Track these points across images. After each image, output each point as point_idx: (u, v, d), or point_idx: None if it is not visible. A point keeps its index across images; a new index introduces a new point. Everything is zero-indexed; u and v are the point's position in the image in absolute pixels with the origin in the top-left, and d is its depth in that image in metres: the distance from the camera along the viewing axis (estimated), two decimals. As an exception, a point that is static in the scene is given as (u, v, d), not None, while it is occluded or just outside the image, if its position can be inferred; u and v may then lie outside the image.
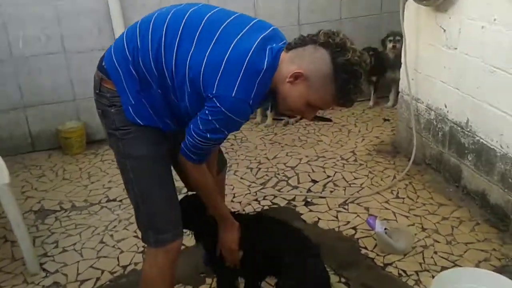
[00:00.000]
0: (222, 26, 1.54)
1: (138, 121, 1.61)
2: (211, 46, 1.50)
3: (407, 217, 2.70)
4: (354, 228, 2.62)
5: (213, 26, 1.54)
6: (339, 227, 2.64)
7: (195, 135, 1.54)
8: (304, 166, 3.33)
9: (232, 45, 1.49)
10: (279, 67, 1.52)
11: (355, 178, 3.14)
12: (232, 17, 1.59)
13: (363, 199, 2.90)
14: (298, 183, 3.11)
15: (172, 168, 1.78)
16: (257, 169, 3.32)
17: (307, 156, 3.46)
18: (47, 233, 2.71)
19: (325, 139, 3.72)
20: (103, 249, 2.54)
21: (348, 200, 2.89)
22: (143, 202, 1.69)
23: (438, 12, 2.84)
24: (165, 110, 1.63)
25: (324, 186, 3.06)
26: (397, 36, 3.85)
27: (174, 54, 1.52)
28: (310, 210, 2.81)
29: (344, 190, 3.00)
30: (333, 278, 2.20)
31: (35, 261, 2.36)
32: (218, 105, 1.46)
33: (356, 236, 2.55)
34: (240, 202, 2.91)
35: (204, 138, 1.53)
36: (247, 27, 1.56)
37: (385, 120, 4.02)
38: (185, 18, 1.56)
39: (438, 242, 2.47)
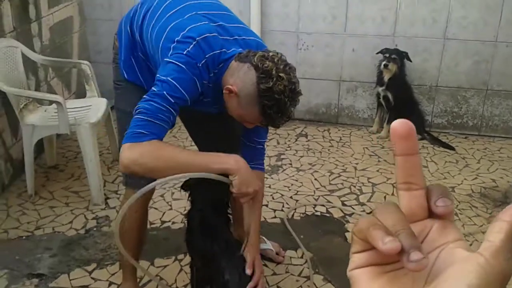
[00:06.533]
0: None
1: (126, 76, 1.80)
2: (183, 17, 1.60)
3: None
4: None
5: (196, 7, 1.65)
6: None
7: (154, 96, 1.48)
8: (387, 187, 3.11)
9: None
10: (226, 72, 1.57)
11: (433, 215, 2.83)
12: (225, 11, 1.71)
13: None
14: (368, 201, 2.95)
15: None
16: (337, 175, 3.23)
17: (398, 178, 3.21)
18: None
19: (431, 167, 3.39)
20: (158, 202, 2.86)
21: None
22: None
23: None
24: (148, 74, 1.78)
25: (393, 212, 2.84)
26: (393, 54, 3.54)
27: (152, 27, 1.64)
28: (359, 231, 2.67)
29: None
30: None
31: (99, 194, 2.80)
32: (175, 52, 1.51)
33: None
34: (297, 201, 2.92)
35: (162, 97, 1.47)
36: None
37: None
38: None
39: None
